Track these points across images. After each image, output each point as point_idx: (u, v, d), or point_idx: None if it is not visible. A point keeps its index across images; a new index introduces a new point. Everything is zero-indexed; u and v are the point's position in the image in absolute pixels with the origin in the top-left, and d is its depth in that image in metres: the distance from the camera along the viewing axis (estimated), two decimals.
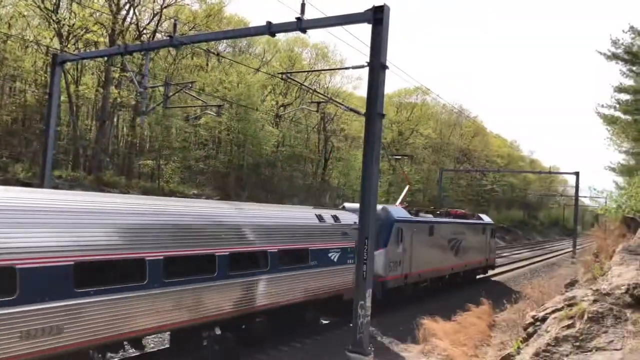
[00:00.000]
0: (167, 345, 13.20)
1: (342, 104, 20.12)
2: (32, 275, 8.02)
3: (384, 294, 18.84)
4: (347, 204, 20.49)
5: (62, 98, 31.52)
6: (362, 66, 12.81)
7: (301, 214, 15.60)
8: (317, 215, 15.75)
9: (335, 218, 16.38)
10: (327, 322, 17.06)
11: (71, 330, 8.56)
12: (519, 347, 9.98)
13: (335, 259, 15.57)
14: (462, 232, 26.06)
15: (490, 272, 32.74)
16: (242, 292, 12.25)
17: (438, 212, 26.07)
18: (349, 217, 16.71)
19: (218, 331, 12.05)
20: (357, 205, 13.31)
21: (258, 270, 12.74)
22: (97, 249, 9.16)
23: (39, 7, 31.82)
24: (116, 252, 9.51)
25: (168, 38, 16.26)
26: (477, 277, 29.42)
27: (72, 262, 8.62)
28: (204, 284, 11.24)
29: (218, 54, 34.72)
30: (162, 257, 10.23)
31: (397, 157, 45.73)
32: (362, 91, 57.52)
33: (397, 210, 20.06)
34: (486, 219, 31.63)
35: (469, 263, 26.87)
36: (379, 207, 15.98)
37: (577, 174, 44.81)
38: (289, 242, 13.85)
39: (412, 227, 20.32)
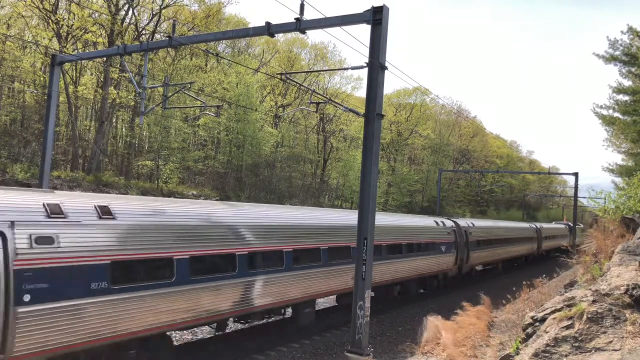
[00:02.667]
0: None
1: (341, 105, 20.11)
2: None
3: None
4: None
5: (61, 98, 31.50)
6: (361, 67, 12.81)
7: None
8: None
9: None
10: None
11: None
12: (518, 348, 9.98)
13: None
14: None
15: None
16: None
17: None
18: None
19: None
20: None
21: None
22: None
23: (37, 7, 31.80)
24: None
25: (167, 38, 16.23)
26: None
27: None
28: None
29: (217, 55, 34.71)
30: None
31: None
32: (361, 92, 57.61)
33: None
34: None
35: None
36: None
37: (576, 174, 44.82)
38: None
39: None
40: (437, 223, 24.36)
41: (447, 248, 24.47)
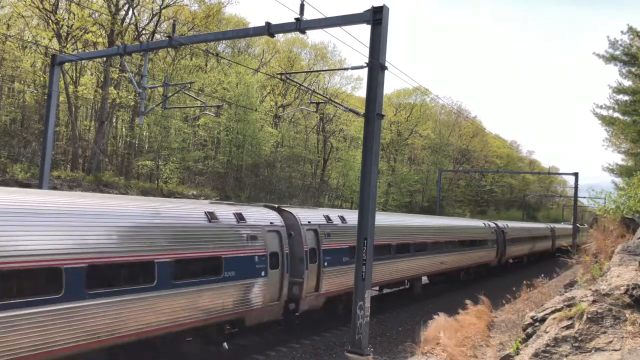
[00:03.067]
0: None
1: (341, 105, 20.11)
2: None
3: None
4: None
5: (61, 98, 31.50)
6: (361, 67, 12.82)
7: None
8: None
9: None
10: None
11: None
12: (518, 348, 9.99)
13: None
14: None
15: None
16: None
17: None
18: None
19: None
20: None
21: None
22: None
23: (37, 7, 31.79)
24: None
25: (167, 38, 16.24)
26: None
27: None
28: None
29: (217, 55, 34.71)
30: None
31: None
32: (361, 92, 57.60)
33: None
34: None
35: None
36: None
37: (576, 174, 44.81)
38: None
39: None
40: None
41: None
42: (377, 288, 21.34)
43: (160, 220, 10.71)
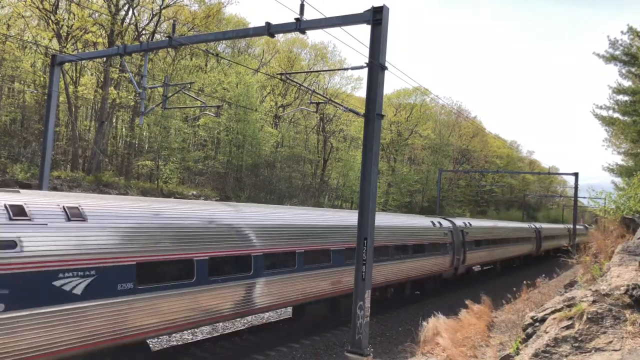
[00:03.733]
0: None
1: (341, 105, 20.10)
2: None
3: None
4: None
5: (61, 99, 31.50)
6: (361, 67, 12.80)
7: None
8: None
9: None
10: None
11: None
12: (518, 348, 9.98)
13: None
14: None
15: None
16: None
17: None
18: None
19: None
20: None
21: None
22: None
23: (37, 7, 31.80)
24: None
25: (167, 39, 16.22)
26: None
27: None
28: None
29: (217, 55, 34.72)
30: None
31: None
32: (361, 92, 57.62)
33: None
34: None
35: None
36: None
37: (576, 174, 44.79)
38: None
39: None
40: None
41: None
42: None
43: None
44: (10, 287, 7.50)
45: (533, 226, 45.30)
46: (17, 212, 7.95)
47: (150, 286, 9.51)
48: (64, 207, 8.66)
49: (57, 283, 8.10)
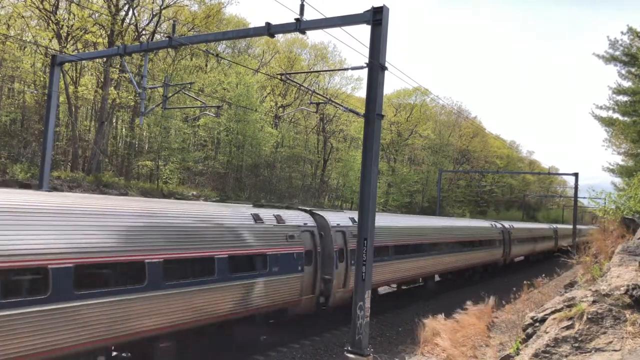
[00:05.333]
0: None
1: (341, 105, 20.12)
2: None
3: None
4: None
5: (61, 99, 31.49)
6: (361, 67, 12.80)
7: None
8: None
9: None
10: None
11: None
12: (518, 348, 9.98)
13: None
14: None
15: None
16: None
17: None
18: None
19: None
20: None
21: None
22: None
23: (37, 7, 31.79)
24: None
25: (167, 39, 16.22)
26: None
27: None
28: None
29: (217, 55, 34.69)
30: None
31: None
32: (361, 92, 57.60)
33: None
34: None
35: None
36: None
37: (576, 175, 44.81)
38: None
39: None
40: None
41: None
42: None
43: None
44: None
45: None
46: None
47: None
48: None
49: None
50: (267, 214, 14.06)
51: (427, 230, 23.63)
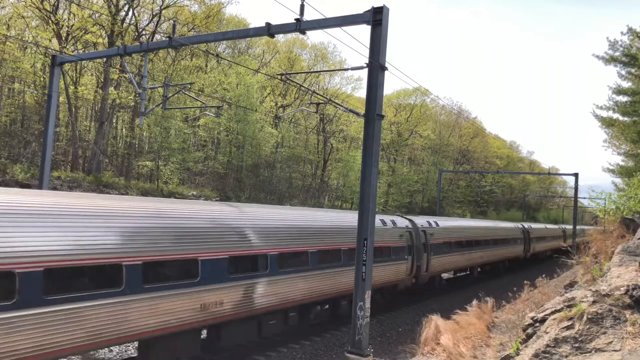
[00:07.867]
0: None
1: (341, 105, 20.13)
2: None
3: None
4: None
5: (61, 99, 31.50)
6: (361, 67, 12.81)
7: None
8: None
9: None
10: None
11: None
12: (518, 348, 9.97)
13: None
14: None
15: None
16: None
17: None
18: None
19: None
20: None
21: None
22: None
23: (37, 8, 31.80)
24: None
25: (167, 39, 16.23)
26: None
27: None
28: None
29: (217, 55, 34.69)
30: None
31: None
32: (362, 92, 57.61)
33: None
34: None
35: None
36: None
37: (576, 175, 44.79)
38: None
39: None
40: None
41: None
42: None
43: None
44: None
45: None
46: None
47: None
48: None
49: None
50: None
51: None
